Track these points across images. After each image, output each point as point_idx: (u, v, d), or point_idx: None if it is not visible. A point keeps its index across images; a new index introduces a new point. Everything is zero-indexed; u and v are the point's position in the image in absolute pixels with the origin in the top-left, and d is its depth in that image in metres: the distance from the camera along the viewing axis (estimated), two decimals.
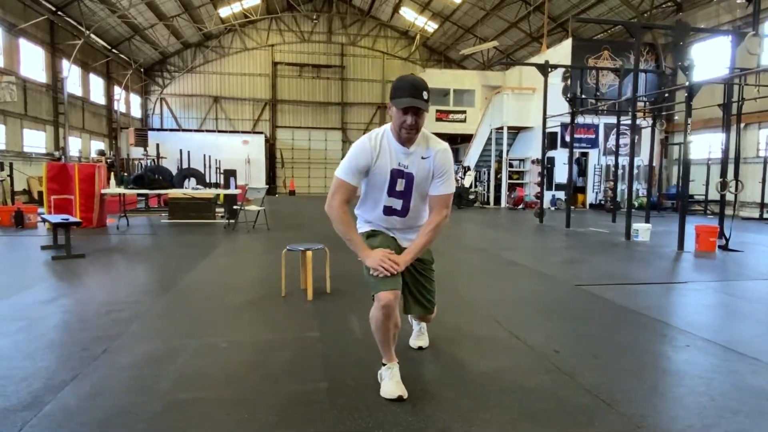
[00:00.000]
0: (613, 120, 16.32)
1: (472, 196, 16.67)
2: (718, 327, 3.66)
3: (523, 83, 18.22)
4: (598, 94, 13.04)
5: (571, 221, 10.51)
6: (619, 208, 13.24)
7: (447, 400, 2.30)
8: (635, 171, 16.45)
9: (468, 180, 16.96)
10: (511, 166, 17.47)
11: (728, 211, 8.43)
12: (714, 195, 14.89)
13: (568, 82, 12.90)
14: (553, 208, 16.05)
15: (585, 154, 17.12)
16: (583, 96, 13.21)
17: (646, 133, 15.83)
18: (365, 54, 28.83)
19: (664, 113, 14.78)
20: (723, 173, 7.51)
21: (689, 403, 2.32)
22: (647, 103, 15.23)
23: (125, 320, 3.43)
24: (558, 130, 15.31)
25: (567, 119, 15.54)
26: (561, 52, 16.44)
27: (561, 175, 16.21)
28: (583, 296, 4.40)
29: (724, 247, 7.23)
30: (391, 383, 2.33)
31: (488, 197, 17.81)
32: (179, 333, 3.23)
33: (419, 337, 2.98)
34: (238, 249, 7.10)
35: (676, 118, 16.57)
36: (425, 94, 2.17)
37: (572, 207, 16.41)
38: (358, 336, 3.19)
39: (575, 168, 16.86)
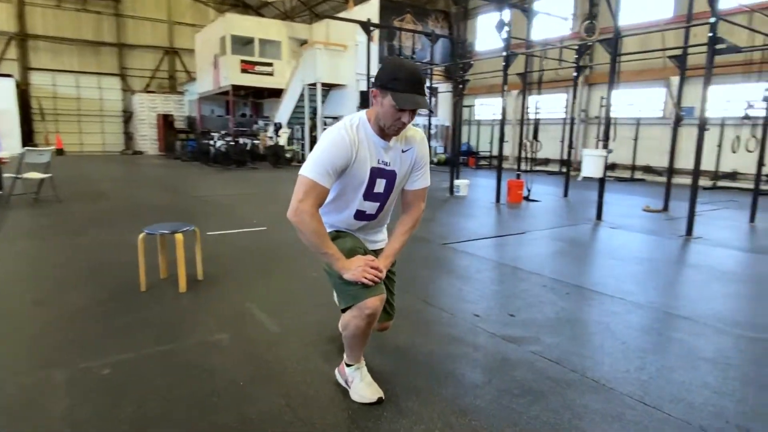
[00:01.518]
0: None
1: (288, 155, 16.17)
2: (573, 272, 4.26)
3: (330, 39, 18.05)
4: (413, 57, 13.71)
5: None
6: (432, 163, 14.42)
7: (424, 390, 2.15)
8: (433, 130, 18.21)
9: (283, 138, 16.34)
10: (325, 124, 17.40)
11: (522, 167, 9.96)
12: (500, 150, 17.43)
13: (394, 41, 13.26)
14: None
15: None
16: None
17: (445, 97, 17.51)
18: None
19: (460, 79, 16.47)
20: (501, 134, 8.74)
21: (610, 350, 2.63)
22: (447, 68, 16.68)
23: None
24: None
25: None
26: (369, 11, 16.68)
27: None
28: (458, 255, 4.66)
29: (527, 198, 8.54)
30: (364, 385, 2.07)
31: (305, 156, 17.53)
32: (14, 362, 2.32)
33: None
34: (35, 231, 5.49)
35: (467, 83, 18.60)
36: (424, 88, 1.86)
37: None
38: (277, 331, 2.77)
39: None
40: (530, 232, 5.83)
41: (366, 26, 10.53)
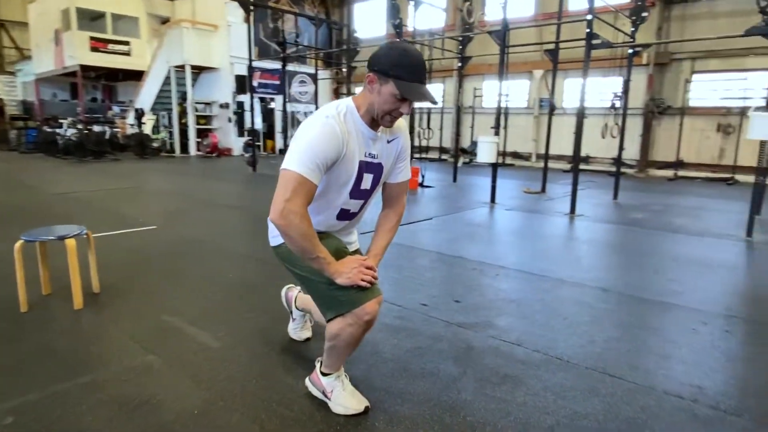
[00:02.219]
0: (296, 68, 16.95)
1: (156, 144, 14.58)
2: (493, 253, 4.42)
3: (196, 17, 16.61)
4: (297, 41, 13.18)
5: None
6: None
7: (405, 391, 2.02)
8: None
9: (148, 126, 14.71)
10: (196, 110, 16.03)
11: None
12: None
13: (279, 24, 12.56)
14: (246, 155, 15.78)
15: (270, 100, 17.33)
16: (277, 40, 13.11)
17: (325, 84, 17.21)
18: None
19: (341, 66, 16.32)
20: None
21: (558, 326, 2.75)
22: (326, 55, 16.38)
23: None
24: (245, 73, 14.84)
25: (262, 63, 15.31)
26: None
27: (252, 121, 16.01)
28: None
29: (422, 184, 8.76)
30: (347, 395, 1.88)
31: (173, 145, 15.97)
32: None
33: (305, 327, 2.47)
34: None
35: (344, 70, 18.51)
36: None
37: (264, 153, 16.63)
38: (216, 346, 2.40)
39: (261, 114, 16.95)
40: (438, 218, 5.96)
41: (245, 4, 9.79)
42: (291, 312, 2.45)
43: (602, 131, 8.07)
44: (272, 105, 17.67)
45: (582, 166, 13.46)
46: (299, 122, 17.81)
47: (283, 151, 17.22)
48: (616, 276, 3.79)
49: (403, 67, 1.60)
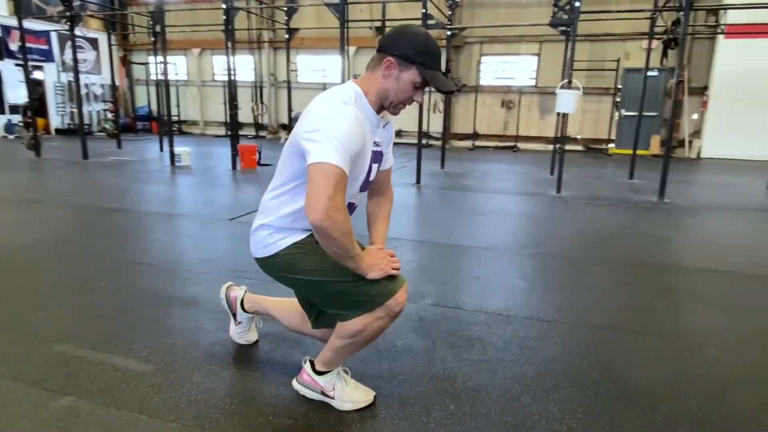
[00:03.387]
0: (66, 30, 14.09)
1: None
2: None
3: None
4: None
5: (76, 151, 8.79)
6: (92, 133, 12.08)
7: (394, 372, 1.98)
8: (100, 91, 15.25)
9: None
10: None
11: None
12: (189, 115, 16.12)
13: None
14: (11, 137, 12.67)
15: (35, 68, 14.08)
16: None
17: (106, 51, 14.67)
18: None
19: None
20: (231, 96, 8.19)
21: (476, 285, 3.00)
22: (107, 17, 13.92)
23: None
24: None
25: (26, 23, 12.19)
26: None
27: (15, 94, 12.91)
28: None
29: (260, 163, 8.32)
30: (351, 389, 1.76)
31: None
32: None
33: (251, 330, 2.19)
34: None
35: (132, 35, 16.12)
36: None
37: (38, 133, 13.42)
38: (151, 369, 1.96)
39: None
40: None
41: None
42: (234, 315, 2.13)
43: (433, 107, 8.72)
44: (37, 74, 14.43)
45: (396, 140, 14.54)
46: (96, 96, 14.97)
47: (61, 131, 14.30)
48: (502, 237, 4.26)
49: (428, 53, 1.52)
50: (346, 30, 6.71)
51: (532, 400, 1.81)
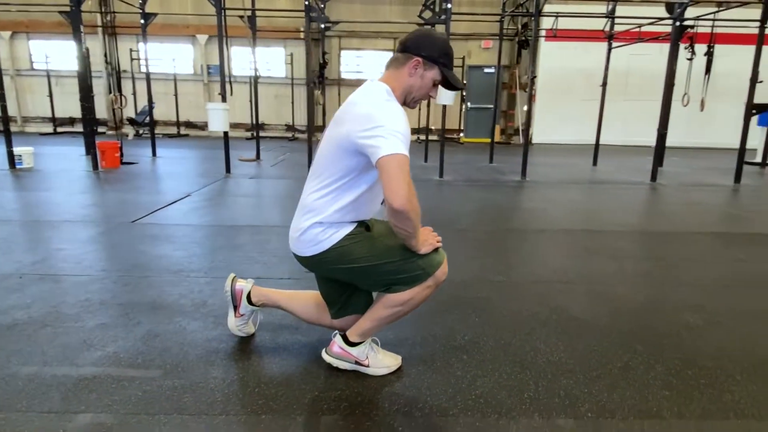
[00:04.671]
0: None
1: None
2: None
3: None
4: None
5: None
6: None
7: (407, 337, 2.16)
8: None
9: None
10: None
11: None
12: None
13: None
14: None
15: None
16: None
17: None
18: None
19: None
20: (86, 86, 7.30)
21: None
22: None
23: None
24: None
25: None
26: None
27: None
28: (170, 229, 3.94)
29: (123, 161, 7.50)
30: (383, 355, 1.92)
31: None
32: None
33: (250, 322, 2.16)
34: None
35: None
36: None
37: None
38: (160, 373, 1.84)
39: None
40: (195, 193, 5.42)
41: None
42: (236, 306, 2.09)
43: (310, 100, 8.73)
44: None
45: (262, 134, 14.14)
46: None
47: None
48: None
49: (448, 56, 1.76)
50: (223, 18, 6.41)
51: (521, 342, 2.16)
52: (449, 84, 1.79)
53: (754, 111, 6.75)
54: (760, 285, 2.96)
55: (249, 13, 7.77)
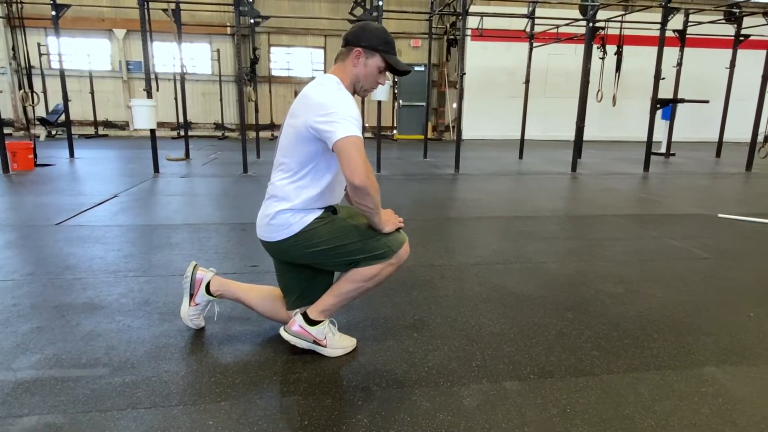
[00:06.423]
0: None
1: None
2: (242, 214, 4.40)
3: None
4: None
5: None
6: None
7: (352, 326, 2.22)
8: None
9: None
10: None
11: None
12: None
13: None
14: None
15: None
16: None
17: None
18: None
19: None
20: None
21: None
22: None
23: None
24: None
25: None
26: None
27: None
28: (98, 230, 3.74)
29: (37, 163, 6.95)
30: (340, 336, 1.98)
31: None
32: None
33: (202, 314, 2.13)
34: None
35: None
36: None
37: None
38: (133, 379, 1.77)
39: None
40: (122, 194, 5.14)
41: None
42: (193, 295, 2.05)
43: (242, 97, 8.53)
44: None
45: (191, 133, 13.57)
46: None
47: None
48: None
49: (388, 43, 1.85)
50: (146, 11, 6.11)
51: (466, 317, 2.29)
52: (395, 69, 1.88)
53: (658, 105, 7.44)
54: (670, 257, 3.31)
55: (173, 6, 7.44)
